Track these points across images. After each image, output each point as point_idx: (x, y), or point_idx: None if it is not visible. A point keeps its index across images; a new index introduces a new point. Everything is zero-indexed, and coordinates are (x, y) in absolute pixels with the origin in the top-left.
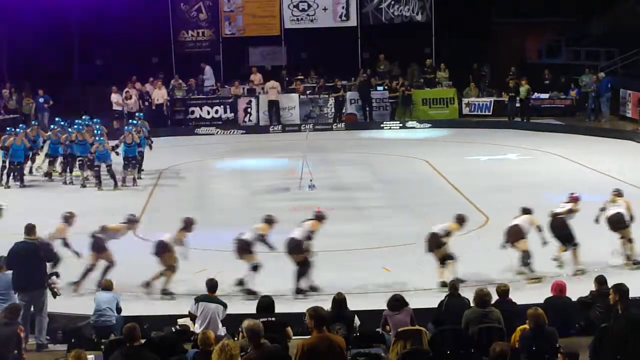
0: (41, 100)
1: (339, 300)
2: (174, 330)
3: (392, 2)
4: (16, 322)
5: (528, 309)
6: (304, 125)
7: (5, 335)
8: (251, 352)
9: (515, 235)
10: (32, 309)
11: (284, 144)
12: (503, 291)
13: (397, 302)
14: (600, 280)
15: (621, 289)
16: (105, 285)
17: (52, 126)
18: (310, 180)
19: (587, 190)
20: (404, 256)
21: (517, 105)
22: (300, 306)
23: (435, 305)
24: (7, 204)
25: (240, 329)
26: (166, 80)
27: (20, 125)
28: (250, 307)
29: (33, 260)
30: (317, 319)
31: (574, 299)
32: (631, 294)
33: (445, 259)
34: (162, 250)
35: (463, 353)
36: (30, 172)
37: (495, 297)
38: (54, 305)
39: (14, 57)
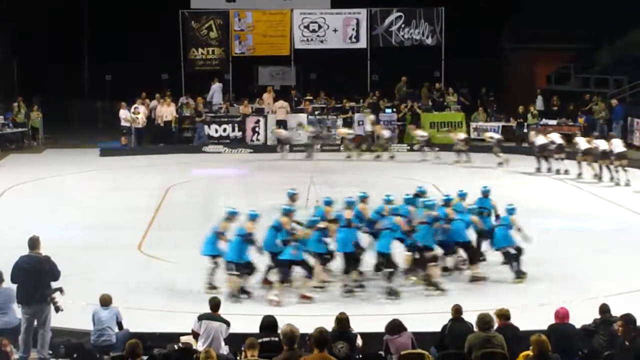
0: None
1: (342, 319)
2: (176, 347)
3: (403, 26)
4: None
5: (531, 336)
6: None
7: None
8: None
9: None
10: (35, 322)
11: (291, 164)
12: (503, 315)
13: (396, 326)
14: (604, 309)
15: (629, 319)
16: (104, 301)
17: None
18: (317, 201)
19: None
20: (409, 279)
21: (525, 130)
22: (306, 327)
23: (438, 330)
24: None
25: (242, 348)
26: (175, 97)
27: None
28: (254, 325)
29: (37, 274)
30: (320, 340)
31: (578, 326)
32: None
33: None
34: None
35: None
36: None
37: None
38: (57, 319)
39: (24, 71)
